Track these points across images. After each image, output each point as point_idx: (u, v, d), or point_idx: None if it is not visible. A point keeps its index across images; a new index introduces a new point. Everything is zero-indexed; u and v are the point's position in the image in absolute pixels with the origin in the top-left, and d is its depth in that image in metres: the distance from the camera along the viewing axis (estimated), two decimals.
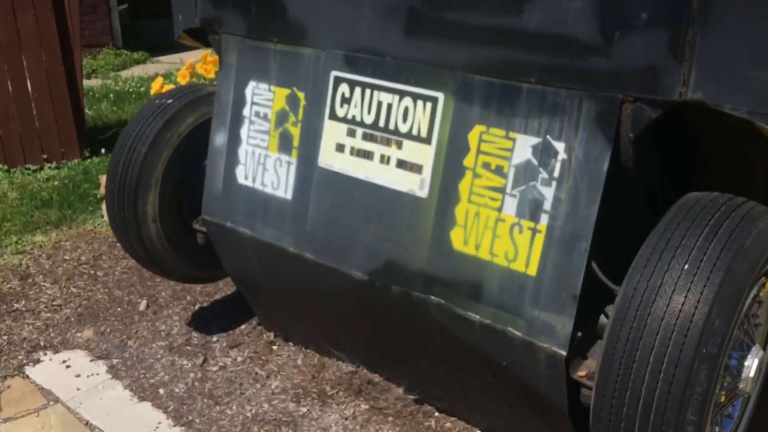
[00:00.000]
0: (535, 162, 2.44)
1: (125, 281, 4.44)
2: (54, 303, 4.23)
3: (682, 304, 1.98)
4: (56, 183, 5.82)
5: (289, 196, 3.10)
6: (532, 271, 2.47)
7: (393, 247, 2.80)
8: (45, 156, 6.12)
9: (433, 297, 2.72)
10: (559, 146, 2.38)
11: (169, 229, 3.47)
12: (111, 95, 8.19)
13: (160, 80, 5.15)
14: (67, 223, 5.16)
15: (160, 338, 3.91)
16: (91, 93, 8.21)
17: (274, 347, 3.78)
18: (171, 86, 5.02)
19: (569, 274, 2.38)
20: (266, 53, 3.11)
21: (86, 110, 6.97)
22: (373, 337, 3.19)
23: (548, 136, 2.41)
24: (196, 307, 4.17)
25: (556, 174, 2.40)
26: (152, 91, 5.12)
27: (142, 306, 4.19)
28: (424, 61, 2.65)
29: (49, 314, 4.13)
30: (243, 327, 3.96)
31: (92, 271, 4.56)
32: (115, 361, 3.76)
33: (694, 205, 2.18)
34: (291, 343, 3.79)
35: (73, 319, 4.08)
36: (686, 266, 2.01)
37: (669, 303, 2.00)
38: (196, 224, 3.51)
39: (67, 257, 4.72)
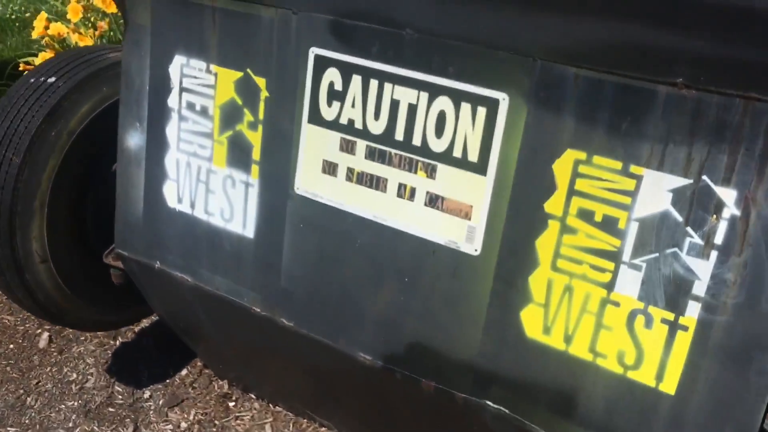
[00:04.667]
0: (679, 216, 1.47)
1: None
2: None
3: None
4: None
5: (249, 232, 2.06)
6: (669, 387, 1.54)
7: (423, 325, 1.82)
8: None
9: (490, 404, 1.77)
10: (726, 194, 1.42)
11: (68, 268, 2.38)
12: None
13: (43, 17, 3.85)
14: None
15: (71, 394, 2.86)
16: None
17: (231, 404, 2.80)
18: (62, 28, 3.75)
19: (739, 403, 1.46)
20: (200, 12, 1.98)
21: None
22: (381, 423, 2.24)
23: (705, 176, 1.43)
24: (117, 343, 3.11)
25: (718, 238, 1.44)
26: (34, 35, 3.82)
27: (44, 341, 3.11)
28: (475, 39, 1.60)
29: None
30: (184, 372, 2.95)
31: None
32: (11, 430, 2.72)
33: None
34: (253, 397, 2.81)
35: None
36: None
37: None
38: (107, 258, 2.42)
39: None
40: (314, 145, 1.88)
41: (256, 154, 2.00)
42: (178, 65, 2.07)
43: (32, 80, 2.29)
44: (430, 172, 1.72)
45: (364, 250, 1.86)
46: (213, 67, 2.01)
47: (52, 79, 2.27)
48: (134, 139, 2.21)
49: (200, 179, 2.12)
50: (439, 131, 1.69)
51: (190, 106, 2.08)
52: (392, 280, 1.84)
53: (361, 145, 1.81)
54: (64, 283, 2.38)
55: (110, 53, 2.42)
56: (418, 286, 1.80)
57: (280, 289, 2.04)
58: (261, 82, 1.93)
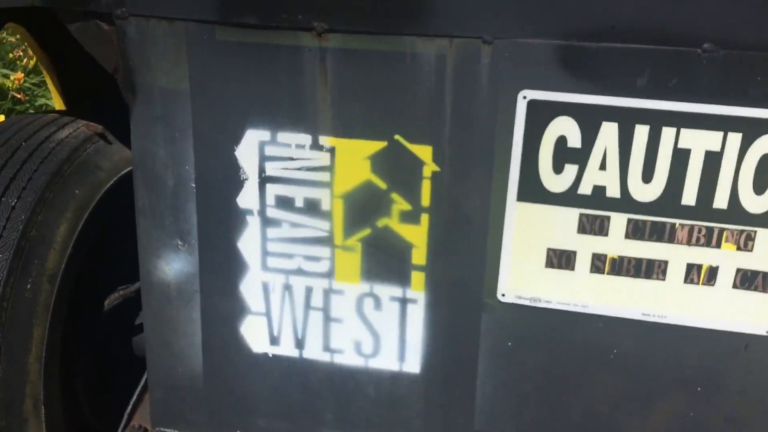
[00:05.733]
0: None
1: None
2: None
3: None
4: None
5: (412, 367, 1.40)
6: None
7: None
8: None
9: None
10: None
11: None
12: None
13: None
14: None
15: None
16: None
17: None
18: None
19: None
20: (294, 58, 1.24)
21: None
22: None
23: None
24: None
25: None
26: None
27: None
28: None
29: None
30: None
31: None
32: None
33: None
34: None
35: None
36: None
37: None
38: None
39: None
40: (530, 230, 1.26)
41: (418, 257, 1.32)
42: (254, 144, 1.31)
43: None
44: (744, 243, 1.20)
45: (626, 360, 1.30)
46: (326, 140, 1.29)
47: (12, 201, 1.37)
48: (171, 267, 1.41)
49: (312, 305, 1.40)
50: (761, 185, 1.17)
51: (284, 203, 1.34)
52: (677, 392, 1.31)
53: (619, 220, 1.23)
54: None
55: (41, 128, 1.53)
56: (722, 394, 1.29)
57: None
58: (423, 152, 1.26)
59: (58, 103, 2.07)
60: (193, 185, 1.36)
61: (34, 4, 1.29)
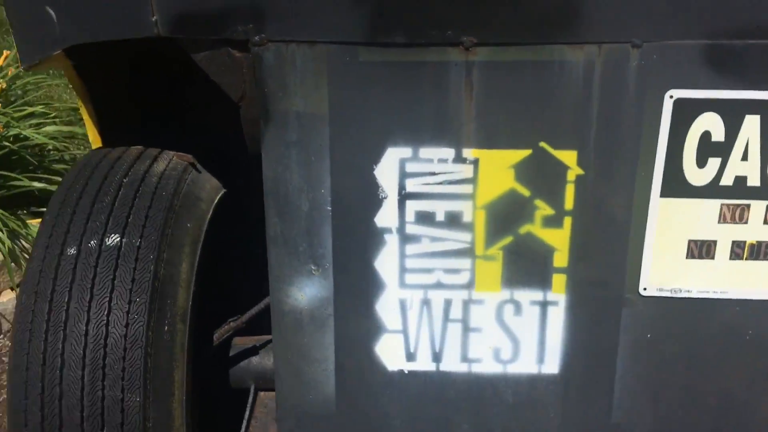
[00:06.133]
0: None
1: None
2: None
3: None
4: None
5: (551, 368, 1.42)
6: None
7: None
8: None
9: None
10: None
11: None
12: None
13: None
14: None
15: None
16: None
17: None
18: None
19: None
20: (441, 75, 1.24)
21: None
22: None
23: None
24: None
25: None
26: None
27: None
28: None
29: None
30: None
31: None
32: None
33: None
34: None
35: None
36: None
37: None
38: None
39: None
40: (673, 224, 1.31)
41: (560, 260, 1.35)
42: (394, 161, 1.30)
43: (70, 249, 1.29)
44: None
45: (763, 342, 1.37)
46: (470, 152, 1.29)
47: (115, 239, 1.30)
48: (304, 293, 1.38)
49: (450, 318, 1.40)
50: None
51: (424, 218, 1.34)
52: None
53: (759, 207, 1.29)
54: None
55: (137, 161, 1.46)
56: None
57: (610, 426, 1.45)
58: (567, 156, 1.29)
59: (92, 135, 1.98)
60: (329, 208, 1.34)
61: (160, 34, 1.23)
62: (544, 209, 1.32)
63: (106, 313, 1.25)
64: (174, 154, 1.52)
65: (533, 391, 1.45)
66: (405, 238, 1.35)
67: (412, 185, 1.32)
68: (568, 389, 1.44)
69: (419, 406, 1.46)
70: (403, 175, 1.31)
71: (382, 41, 1.23)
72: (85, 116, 2.00)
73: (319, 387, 1.45)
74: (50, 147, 3.28)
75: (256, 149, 1.40)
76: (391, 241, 1.35)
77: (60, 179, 3.17)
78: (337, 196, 1.33)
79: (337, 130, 1.29)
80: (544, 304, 1.38)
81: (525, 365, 1.43)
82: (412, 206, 1.33)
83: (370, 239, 1.35)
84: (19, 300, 1.28)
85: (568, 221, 1.33)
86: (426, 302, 1.39)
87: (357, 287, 1.39)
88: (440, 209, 1.33)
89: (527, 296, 1.38)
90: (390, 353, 1.43)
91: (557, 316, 1.39)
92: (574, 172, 1.30)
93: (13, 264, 2.65)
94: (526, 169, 1.30)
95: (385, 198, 1.33)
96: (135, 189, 1.39)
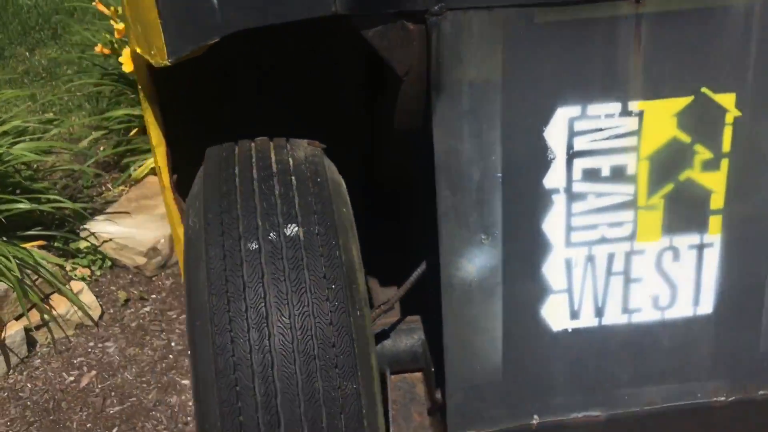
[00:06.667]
0: None
1: None
2: None
3: None
4: None
5: (706, 308, 1.48)
6: None
7: None
8: None
9: None
10: None
11: None
12: None
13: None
14: None
15: None
16: None
17: None
18: None
19: None
20: (609, 30, 1.26)
21: None
22: None
23: None
24: None
25: None
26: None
27: None
28: None
29: None
30: None
31: None
32: None
33: None
34: None
35: None
36: None
37: None
38: None
39: None
40: None
41: (716, 202, 1.40)
42: (563, 122, 1.31)
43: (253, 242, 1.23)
44: None
45: None
46: (636, 105, 1.32)
47: (293, 229, 1.25)
48: (474, 263, 1.38)
49: (612, 272, 1.43)
50: None
51: (591, 175, 1.35)
52: None
53: None
54: None
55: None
56: None
57: (758, 356, 1.52)
58: (726, 99, 1.33)
59: (155, 135, 1.90)
60: (499, 175, 1.33)
61: (338, 12, 1.19)
62: (702, 153, 1.37)
63: (307, 303, 1.20)
64: (306, 142, 1.47)
65: (688, 333, 1.49)
66: (572, 197, 1.37)
67: (579, 143, 1.33)
68: (719, 326, 1.49)
69: (581, 362, 1.49)
70: (572, 134, 1.33)
71: (558, 0, 1.23)
72: (150, 118, 1.92)
73: (486, 356, 1.45)
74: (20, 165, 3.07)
75: (413, 126, 1.38)
76: (559, 201, 1.37)
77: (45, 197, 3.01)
78: (507, 163, 1.33)
79: (510, 96, 1.29)
80: (700, 248, 1.43)
81: (681, 309, 1.47)
82: (579, 164, 1.35)
83: (539, 202, 1.36)
84: (203, 305, 1.22)
85: (725, 163, 1.38)
86: (590, 258, 1.41)
87: (525, 251, 1.39)
88: (606, 164, 1.35)
89: (685, 241, 1.42)
90: (555, 314, 1.44)
91: (713, 257, 1.44)
92: (732, 114, 1.34)
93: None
94: (688, 115, 1.34)
95: (554, 159, 1.34)
96: (288, 177, 1.34)
